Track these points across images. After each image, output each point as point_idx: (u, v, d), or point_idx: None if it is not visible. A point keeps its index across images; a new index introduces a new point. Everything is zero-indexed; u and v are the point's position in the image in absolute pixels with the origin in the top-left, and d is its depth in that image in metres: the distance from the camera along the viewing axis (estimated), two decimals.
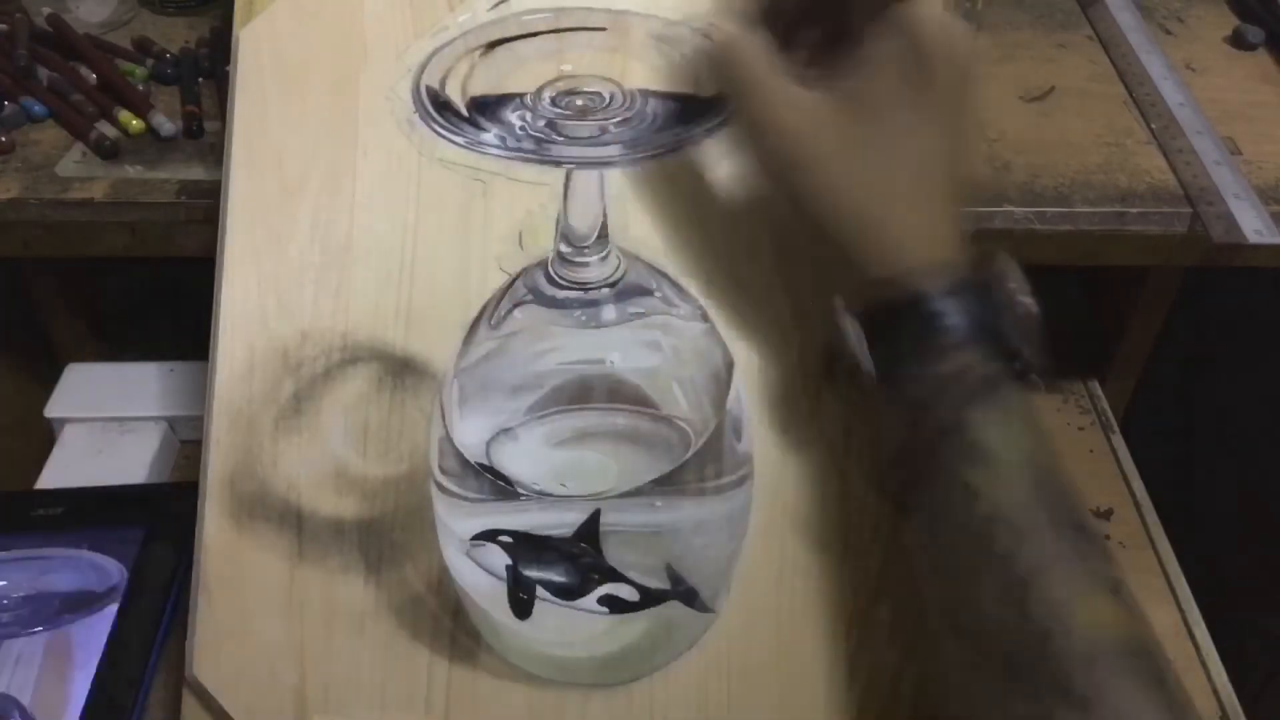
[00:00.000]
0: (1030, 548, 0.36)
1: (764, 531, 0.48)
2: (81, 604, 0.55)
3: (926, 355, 0.39)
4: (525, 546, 0.45)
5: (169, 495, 0.60)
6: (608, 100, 0.43)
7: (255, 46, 0.51)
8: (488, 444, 0.45)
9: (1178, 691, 0.35)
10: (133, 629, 0.53)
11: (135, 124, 0.58)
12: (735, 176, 0.49)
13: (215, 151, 0.56)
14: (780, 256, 0.49)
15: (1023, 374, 0.39)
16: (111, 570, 0.56)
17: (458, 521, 0.46)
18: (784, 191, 0.41)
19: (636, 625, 0.46)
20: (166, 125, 0.58)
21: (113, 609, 0.54)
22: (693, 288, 0.48)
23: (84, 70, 0.62)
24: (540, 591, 0.45)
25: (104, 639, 0.53)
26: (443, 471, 0.46)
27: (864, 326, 0.40)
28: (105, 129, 0.58)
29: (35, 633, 0.54)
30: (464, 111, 0.42)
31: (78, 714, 0.50)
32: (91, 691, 0.51)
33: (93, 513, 0.59)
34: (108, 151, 0.57)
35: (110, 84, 0.61)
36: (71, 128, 0.59)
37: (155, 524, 0.57)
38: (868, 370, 0.40)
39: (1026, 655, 0.35)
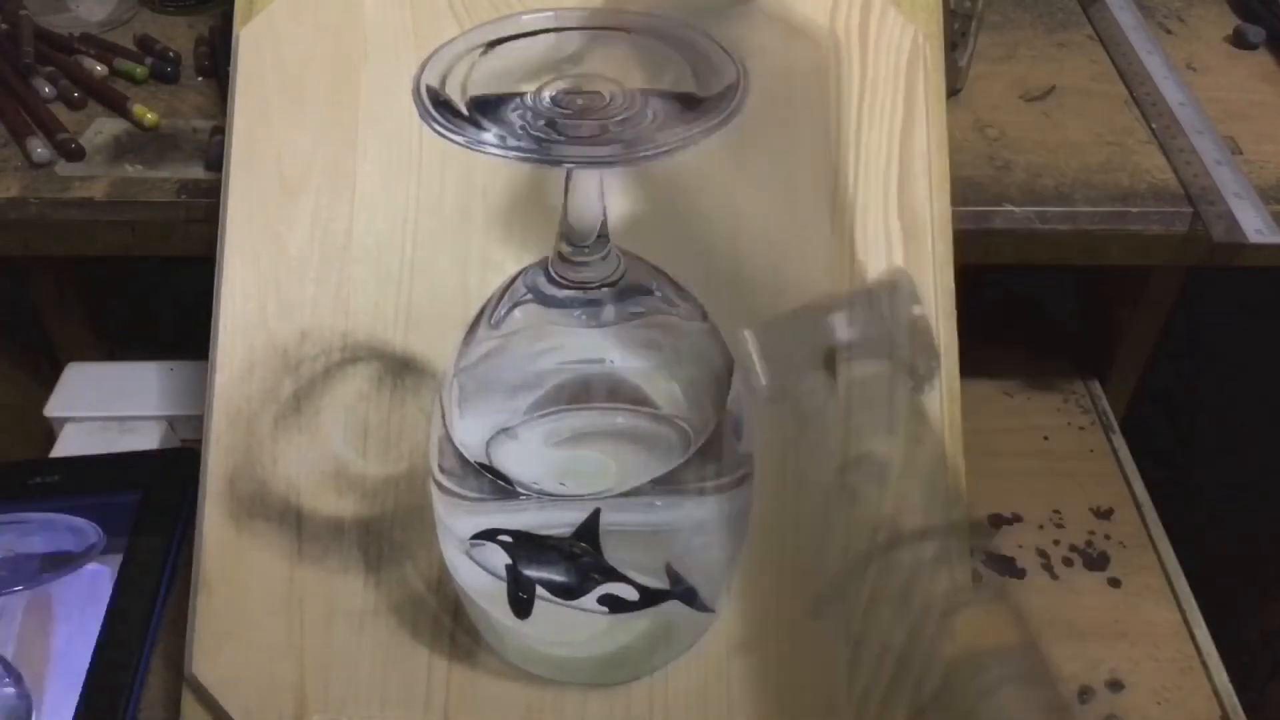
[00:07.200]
0: None
1: (764, 531, 0.48)
2: (60, 564, 0.56)
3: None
4: (525, 546, 0.45)
5: (163, 461, 0.62)
6: (608, 100, 0.43)
7: (255, 46, 0.51)
8: (487, 443, 0.45)
9: None
10: (131, 594, 0.55)
11: (150, 118, 0.58)
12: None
13: (215, 150, 0.56)
14: (778, 252, 0.49)
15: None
16: (88, 531, 0.57)
17: (457, 521, 0.46)
18: None
19: (636, 625, 0.46)
20: (40, 151, 0.56)
21: (92, 567, 0.56)
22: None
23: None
24: (540, 591, 0.45)
25: (83, 597, 0.54)
26: (442, 471, 0.46)
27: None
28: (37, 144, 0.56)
29: (16, 592, 0.55)
30: (464, 111, 0.42)
31: (59, 667, 0.52)
32: (96, 651, 0.52)
33: (88, 480, 0.60)
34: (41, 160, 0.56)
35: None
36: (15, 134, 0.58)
37: (150, 489, 0.59)
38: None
39: None
